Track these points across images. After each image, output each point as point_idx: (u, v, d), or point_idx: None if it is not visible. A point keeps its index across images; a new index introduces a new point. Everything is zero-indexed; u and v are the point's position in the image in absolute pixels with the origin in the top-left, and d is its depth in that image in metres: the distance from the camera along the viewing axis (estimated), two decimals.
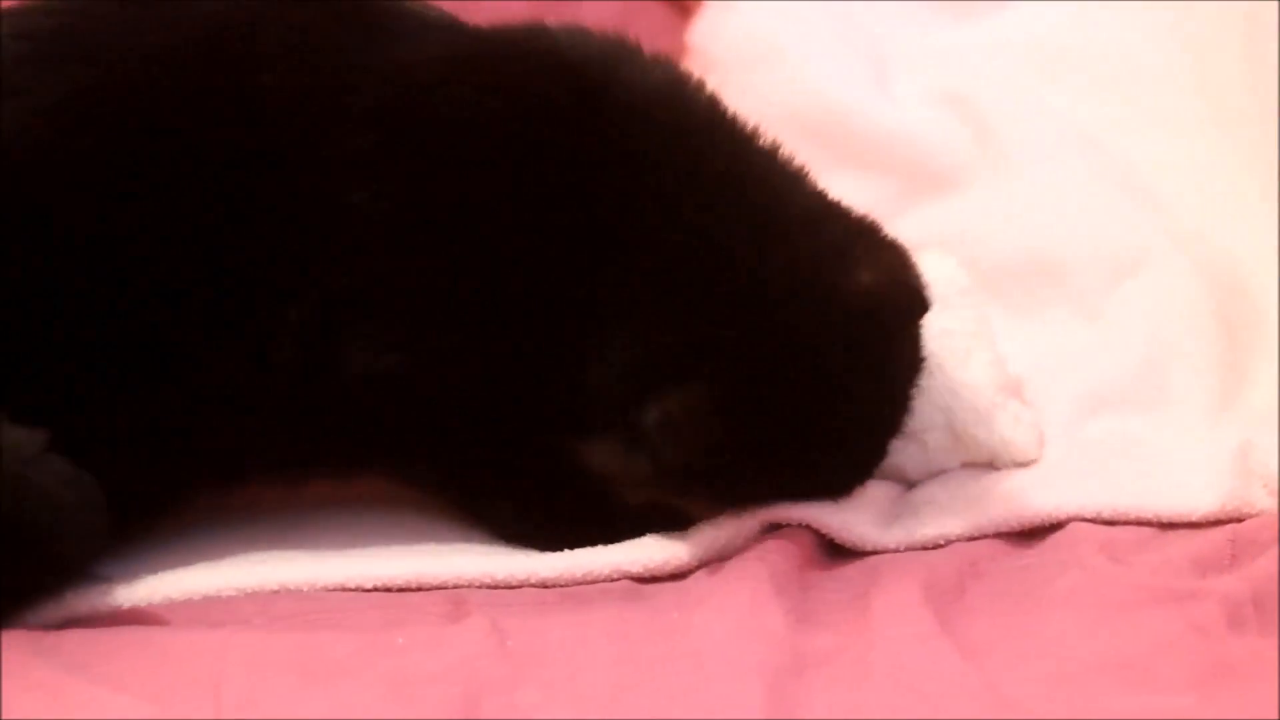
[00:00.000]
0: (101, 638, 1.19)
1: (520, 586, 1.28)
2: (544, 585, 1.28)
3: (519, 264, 1.30)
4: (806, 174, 1.37)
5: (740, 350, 1.27)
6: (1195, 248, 1.52)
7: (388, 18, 1.35)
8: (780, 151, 1.37)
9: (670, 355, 1.27)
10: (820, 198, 1.35)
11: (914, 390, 1.34)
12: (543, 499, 1.36)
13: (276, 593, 1.26)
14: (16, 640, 1.16)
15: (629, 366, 1.28)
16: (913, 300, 1.31)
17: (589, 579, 1.28)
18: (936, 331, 1.39)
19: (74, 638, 1.18)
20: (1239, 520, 1.29)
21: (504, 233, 1.30)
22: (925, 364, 1.35)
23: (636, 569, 1.28)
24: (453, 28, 1.37)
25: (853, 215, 1.34)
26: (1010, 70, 1.71)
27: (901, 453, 1.38)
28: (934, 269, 1.42)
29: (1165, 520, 1.30)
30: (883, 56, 1.75)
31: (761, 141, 1.37)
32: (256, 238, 1.29)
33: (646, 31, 1.82)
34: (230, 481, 1.35)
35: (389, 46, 1.33)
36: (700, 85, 1.39)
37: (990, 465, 1.40)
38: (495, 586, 1.27)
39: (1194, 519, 1.30)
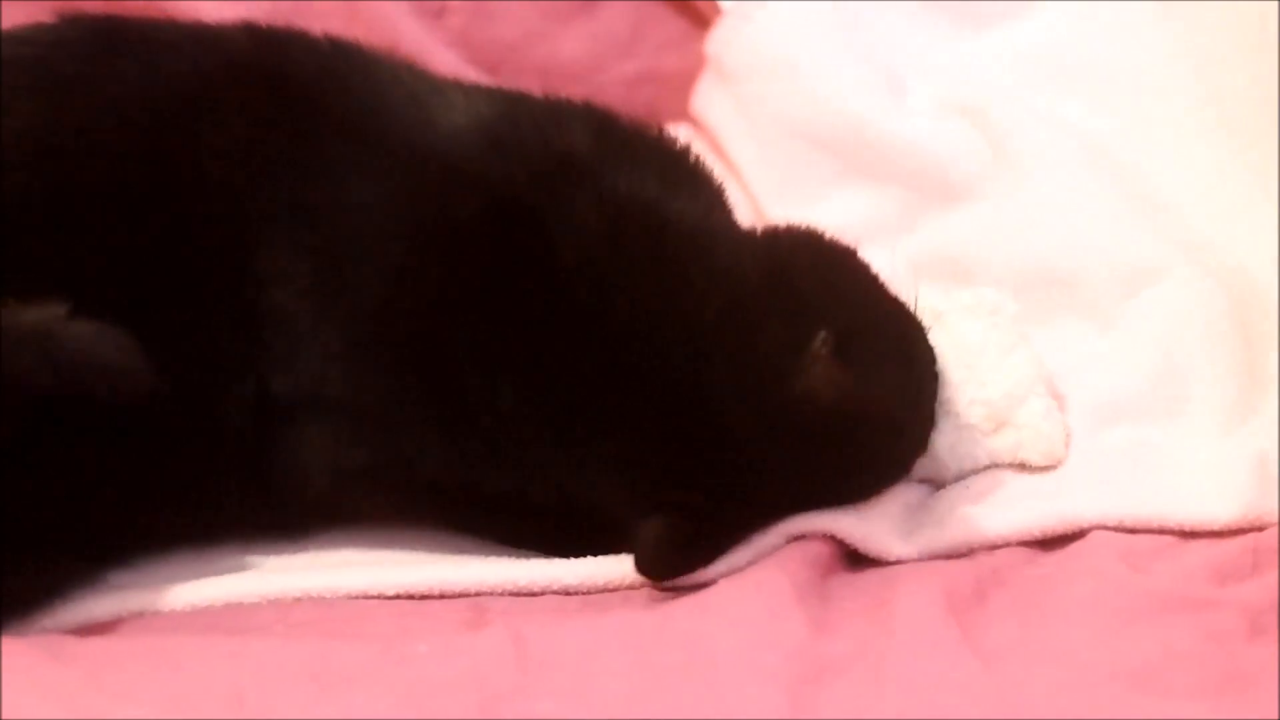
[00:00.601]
0: (119, 644, 1.19)
1: (543, 594, 1.28)
2: (566, 593, 1.28)
3: (470, 387, 1.29)
4: (759, 249, 1.35)
5: (704, 472, 1.26)
6: (1209, 257, 1.52)
7: (345, 138, 1.32)
8: (734, 233, 1.37)
9: (644, 485, 1.27)
10: (771, 281, 1.31)
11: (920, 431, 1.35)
12: (542, 526, 1.35)
13: (298, 600, 1.26)
14: (33, 645, 1.16)
15: (611, 492, 1.29)
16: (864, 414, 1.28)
17: (611, 587, 1.28)
18: (987, 321, 1.42)
19: (92, 645, 1.18)
20: (1260, 529, 1.29)
21: (450, 362, 1.29)
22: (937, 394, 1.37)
23: None
24: (403, 149, 1.32)
25: (807, 291, 1.31)
26: (1022, 81, 1.70)
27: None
28: (988, 296, 1.45)
29: (1187, 529, 1.30)
30: (896, 68, 1.75)
31: (717, 223, 1.37)
32: (191, 307, 1.28)
33: (663, 42, 1.86)
34: (205, 522, 1.33)
35: (336, 172, 1.31)
36: (672, 164, 1.38)
37: (1016, 461, 1.39)
38: (518, 594, 1.28)
39: (1215, 528, 1.29)
